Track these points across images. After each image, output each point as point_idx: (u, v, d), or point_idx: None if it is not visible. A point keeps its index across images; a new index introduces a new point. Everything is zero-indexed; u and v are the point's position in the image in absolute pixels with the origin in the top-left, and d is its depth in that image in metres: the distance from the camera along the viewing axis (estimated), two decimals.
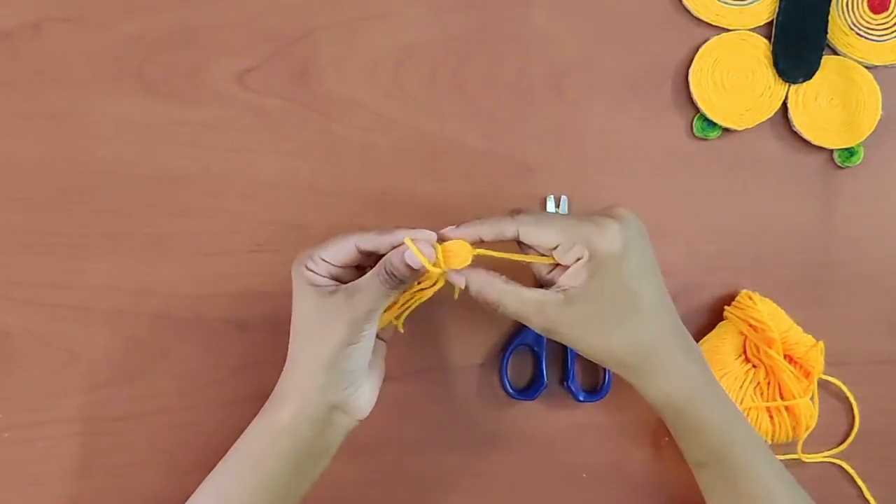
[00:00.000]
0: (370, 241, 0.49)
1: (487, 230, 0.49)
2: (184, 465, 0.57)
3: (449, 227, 0.49)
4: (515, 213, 0.50)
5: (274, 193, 0.58)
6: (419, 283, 0.52)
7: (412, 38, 0.60)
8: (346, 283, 0.49)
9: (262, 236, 0.58)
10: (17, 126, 0.57)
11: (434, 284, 0.51)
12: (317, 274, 0.49)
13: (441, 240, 0.49)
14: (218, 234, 0.58)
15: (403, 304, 0.52)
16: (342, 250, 0.49)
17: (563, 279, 0.48)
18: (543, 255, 0.49)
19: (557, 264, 0.49)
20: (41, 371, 0.56)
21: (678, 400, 0.49)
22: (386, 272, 0.48)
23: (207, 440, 0.57)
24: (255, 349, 0.58)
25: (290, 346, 0.50)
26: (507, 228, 0.49)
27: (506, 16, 0.61)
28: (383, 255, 0.49)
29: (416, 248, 0.47)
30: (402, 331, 0.53)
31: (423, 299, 0.52)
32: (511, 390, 0.58)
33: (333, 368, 0.48)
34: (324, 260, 0.49)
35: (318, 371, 0.48)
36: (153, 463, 0.57)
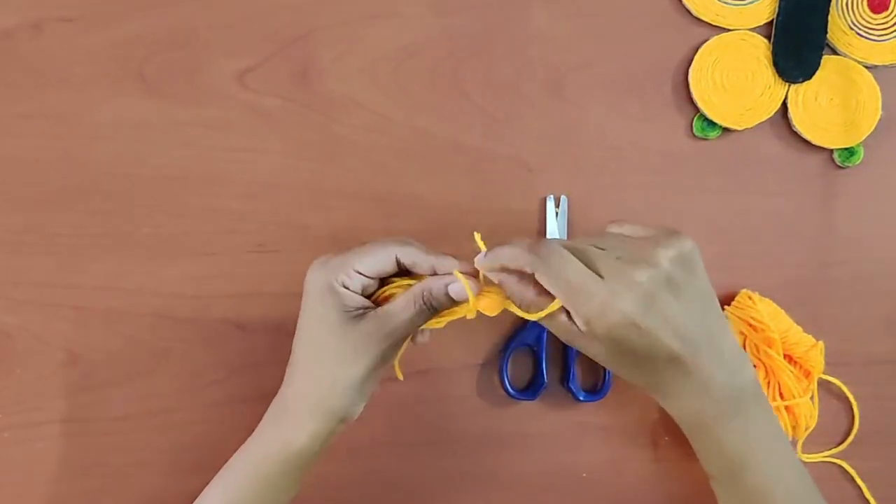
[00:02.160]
0: (411, 256, 0.46)
1: (510, 259, 0.45)
2: (184, 466, 0.57)
3: (478, 256, 0.46)
4: (536, 244, 0.44)
5: (274, 193, 0.58)
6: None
7: (412, 38, 0.60)
8: (369, 296, 0.47)
9: (262, 236, 0.58)
10: (17, 126, 0.57)
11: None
12: (351, 291, 0.46)
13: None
14: (218, 234, 0.58)
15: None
16: (381, 261, 0.46)
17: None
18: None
19: None
20: (41, 371, 0.56)
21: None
22: (424, 302, 0.46)
23: (207, 440, 0.57)
24: (255, 349, 0.58)
25: (298, 361, 0.48)
26: (525, 264, 0.44)
27: (506, 16, 0.61)
28: (411, 272, 0.47)
29: (467, 283, 0.45)
30: (401, 378, 0.51)
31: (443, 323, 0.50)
32: (511, 390, 0.58)
33: (360, 390, 0.46)
34: (358, 272, 0.46)
35: (344, 394, 0.46)
36: (153, 463, 0.57)
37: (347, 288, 0.46)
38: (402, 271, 0.48)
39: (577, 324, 0.43)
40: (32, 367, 0.56)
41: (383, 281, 0.48)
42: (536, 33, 0.61)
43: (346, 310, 0.45)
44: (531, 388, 0.59)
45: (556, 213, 0.60)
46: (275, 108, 0.59)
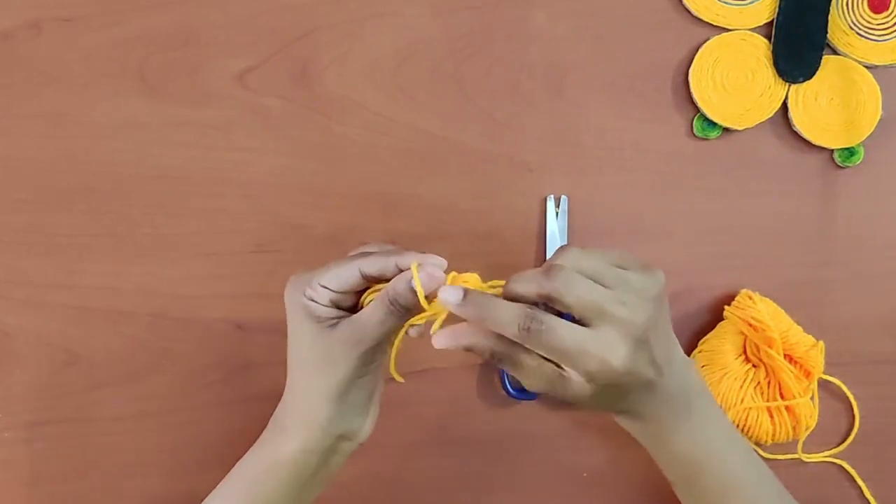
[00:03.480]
0: (374, 265, 0.45)
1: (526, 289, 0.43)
2: (183, 465, 0.57)
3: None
4: (555, 268, 0.43)
5: (274, 193, 0.58)
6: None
7: (412, 38, 0.60)
8: (347, 308, 0.46)
9: (262, 236, 0.58)
10: (17, 126, 0.57)
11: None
12: (317, 303, 0.45)
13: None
14: (218, 234, 0.58)
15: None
16: (344, 276, 0.45)
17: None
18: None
19: None
20: (41, 371, 0.56)
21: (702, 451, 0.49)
22: (390, 301, 0.44)
23: (207, 440, 0.57)
24: (255, 349, 0.58)
25: (290, 374, 0.48)
26: (540, 284, 0.43)
27: (506, 16, 0.61)
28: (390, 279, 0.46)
29: (416, 272, 0.43)
30: (400, 380, 0.49)
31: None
32: (511, 390, 0.58)
33: (342, 401, 0.46)
34: (324, 286, 0.45)
35: (324, 405, 0.46)
36: (153, 463, 0.57)
37: (312, 300, 0.45)
38: (381, 280, 0.47)
39: (575, 379, 0.43)
40: (32, 367, 0.56)
41: (361, 293, 0.47)
42: (536, 33, 0.61)
43: (319, 321, 0.45)
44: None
45: (556, 213, 0.60)
46: (275, 108, 0.59)
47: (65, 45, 0.58)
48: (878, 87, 0.62)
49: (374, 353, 0.46)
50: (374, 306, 0.45)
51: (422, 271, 0.44)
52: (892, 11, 0.62)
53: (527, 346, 0.43)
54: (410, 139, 0.60)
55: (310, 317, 0.45)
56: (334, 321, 0.45)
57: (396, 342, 0.48)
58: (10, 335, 0.56)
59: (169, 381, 0.57)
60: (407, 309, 0.44)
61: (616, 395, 0.45)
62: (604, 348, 0.42)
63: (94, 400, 0.57)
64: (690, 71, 0.61)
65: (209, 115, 0.58)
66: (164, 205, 0.58)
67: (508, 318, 0.42)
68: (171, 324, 0.57)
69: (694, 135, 0.61)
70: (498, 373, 0.59)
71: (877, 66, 0.62)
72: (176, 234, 0.58)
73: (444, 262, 0.44)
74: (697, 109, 0.61)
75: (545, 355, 0.43)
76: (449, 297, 0.43)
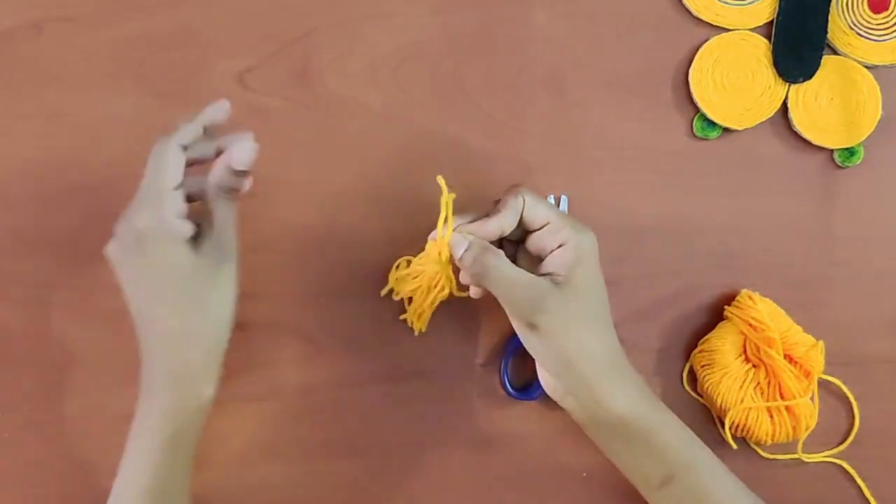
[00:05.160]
0: (190, 135, 0.46)
1: (509, 219, 0.50)
2: None
3: (459, 228, 0.50)
4: (514, 187, 0.50)
5: (274, 193, 0.58)
6: (435, 286, 0.53)
7: (412, 38, 0.60)
8: None
9: (262, 236, 0.58)
10: (17, 126, 0.57)
11: (444, 289, 0.52)
12: (185, 220, 0.46)
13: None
14: None
15: (417, 309, 0.53)
16: (179, 165, 0.45)
17: (549, 266, 0.49)
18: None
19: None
20: (41, 371, 0.56)
21: (641, 412, 0.50)
22: (223, 190, 0.48)
23: (207, 440, 0.56)
24: (255, 349, 0.58)
25: (152, 322, 0.47)
26: (517, 203, 0.49)
27: (506, 16, 0.61)
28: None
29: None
30: (422, 330, 0.56)
31: (437, 301, 0.53)
32: (511, 390, 0.58)
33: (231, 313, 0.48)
34: (176, 189, 0.45)
35: (228, 323, 0.48)
36: None
37: (180, 217, 0.45)
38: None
39: (550, 244, 0.49)
40: (32, 367, 0.56)
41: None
42: (536, 33, 0.61)
43: (184, 242, 0.46)
44: (531, 389, 0.59)
45: None
46: (275, 108, 0.59)
47: (65, 45, 0.58)
48: (878, 87, 0.62)
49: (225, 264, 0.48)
50: (214, 205, 0.47)
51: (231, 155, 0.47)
52: (892, 11, 0.62)
53: (525, 196, 0.50)
54: (410, 139, 0.60)
55: (180, 241, 0.45)
56: (191, 237, 0.46)
57: (434, 300, 0.53)
58: (10, 335, 0.56)
59: None
60: (230, 189, 0.47)
61: (578, 306, 0.48)
62: (574, 222, 0.50)
63: (94, 400, 0.57)
64: (690, 71, 0.61)
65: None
66: None
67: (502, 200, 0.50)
68: None
69: (694, 135, 0.61)
70: (498, 373, 0.59)
71: (877, 66, 0.62)
72: None
73: (250, 134, 0.47)
74: (697, 109, 0.61)
75: (538, 213, 0.50)
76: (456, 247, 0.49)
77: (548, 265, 0.49)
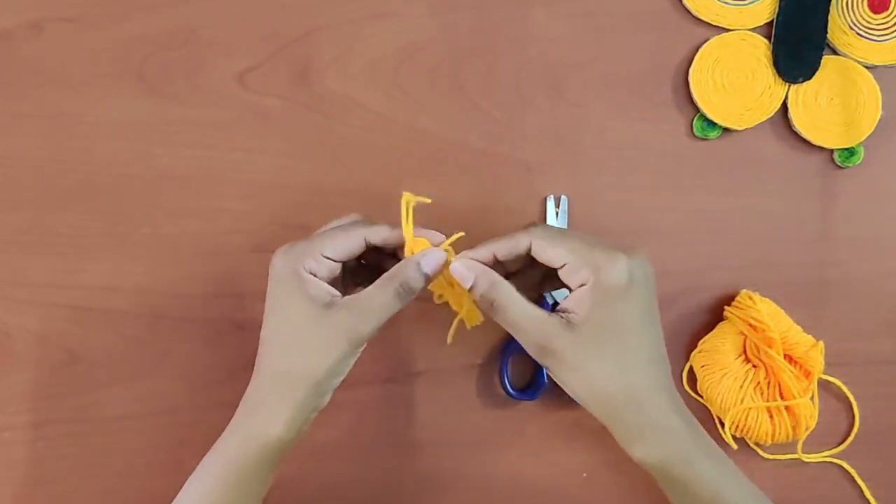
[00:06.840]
0: (380, 234, 0.45)
1: (502, 246, 0.47)
2: (184, 466, 0.57)
3: (464, 252, 0.47)
4: (531, 225, 0.48)
5: (274, 193, 0.59)
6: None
7: (412, 38, 0.60)
8: (334, 282, 0.46)
9: (263, 236, 0.58)
10: (17, 126, 0.57)
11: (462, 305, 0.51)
12: (318, 278, 0.44)
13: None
14: (218, 234, 0.58)
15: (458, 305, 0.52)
16: (349, 245, 0.45)
17: (567, 303, 0.46)
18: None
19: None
20: (41, 371, 0.56)
21: (666, 460, 0.47)
22: (402, 287, 0.44)
23: (207, 440, 0.56)
24: (255, 349, 0.58)
25: (267, 354, 0.47)
26: (521, 241, 0.47)
27: (506, 16, 0.61)
28: (380, 251, 0.46)
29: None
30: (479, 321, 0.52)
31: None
32: (511, 390, 0.58)
33: (331, 380, 0.46)
34: (327, 258, 0.45)
35: (314, 384, 0.45)
36: (153, 463, 0.57)
37: (314, 275, 0.44)
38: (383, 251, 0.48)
39: (571, 285, 0.45)
40: (32, 367, 0.56)
41: (345, 266, 0.47)
42: (536, 33, 0.61)
43: (313, 300, 0.44)
44: (531, 388, 0.59)
45: (556, 213, 0.60)
46: (275, 108, 0.59)
47: (66, 45, 0.58)
48: (878, 87, 0.62)
49: (369, 338, 0.45)
50: (378, 290, 0.44)
51: (431, 255, 0.45)
52: (892, 11, 0.62)
53: (532, 241, 0.46)
54: (410, 139, 0.60)
55: (305, 294, 0.44)
56: (329, 300, 0.44)
57: (462, 313, 0.51)
58: (10, 335, 0.56)
59: (169, 382, 0.57)
60: (413, 290, 0.45)
61: (595, 347, 0.45)
62: (604, 256, 0.45)
63: (94, 400, 0.57)
64: (690, 71, 0.61)
65: (209, 115, 0.58)
66: (163, 205, 0.58)
67: (511, 233, 0.47)
68: (171, 324, 0.57)
69: (694, 135, 0.61)
70: (498, 373, 0.59)
71: (877, 66, 0.62)
72: (176, 234, 0.58)
73: (442, 237, 0.47)
74: (697, 109, 0.61)
75: (550, 256, 0.46)
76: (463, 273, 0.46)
77: (567, 303, 0.46)
